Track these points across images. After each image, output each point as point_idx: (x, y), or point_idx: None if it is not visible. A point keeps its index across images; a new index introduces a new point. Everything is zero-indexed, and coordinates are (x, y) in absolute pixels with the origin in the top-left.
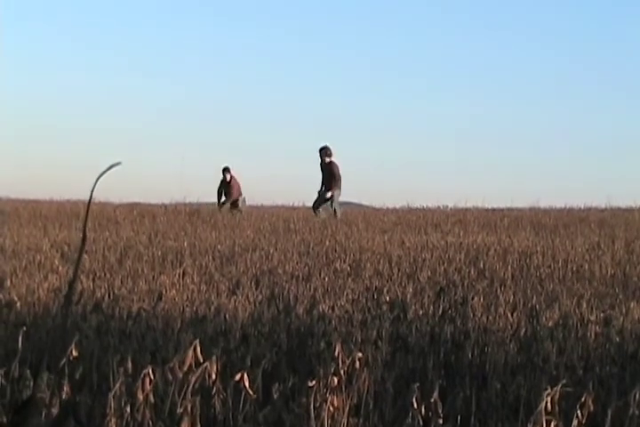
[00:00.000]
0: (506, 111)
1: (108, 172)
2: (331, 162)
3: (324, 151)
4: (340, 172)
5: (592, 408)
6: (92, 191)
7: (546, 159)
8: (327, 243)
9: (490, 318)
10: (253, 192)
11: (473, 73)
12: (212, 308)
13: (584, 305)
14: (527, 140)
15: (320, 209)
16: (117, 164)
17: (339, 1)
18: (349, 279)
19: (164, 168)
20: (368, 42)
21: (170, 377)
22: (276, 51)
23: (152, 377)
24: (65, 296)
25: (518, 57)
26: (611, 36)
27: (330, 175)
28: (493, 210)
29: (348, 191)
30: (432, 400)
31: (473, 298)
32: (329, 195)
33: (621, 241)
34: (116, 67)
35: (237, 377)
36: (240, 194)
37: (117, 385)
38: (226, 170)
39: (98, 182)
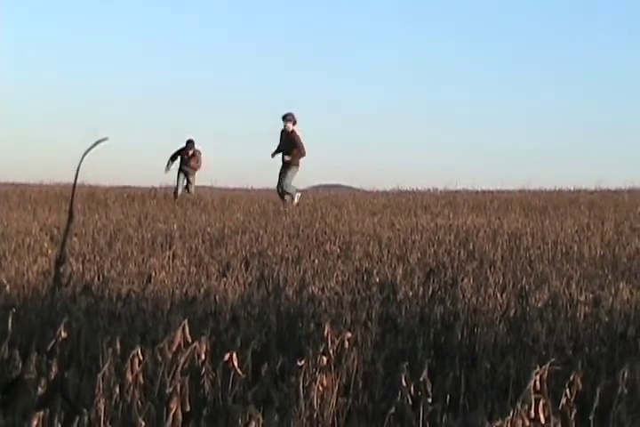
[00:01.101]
0: (497, 94)
1: (95, 148)
2: (293, 131)
3: (288, 118)
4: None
5: (581, 387)
6: (79, 168)
7: (536, 142)
8: (317, 225)
9: (479, 299)
10: (244, 175)
11: (465, 57)
12: (202, 290)
13: (573, 286)
14: (517, 122)
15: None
16: (104, 139)
17: None
18: (339, 261)
19: (154, 151)
20: (363, 25)
21: (159, 358)
22: (272, 36)
23: (141, 358)
24: (53, 274)
25: (510, 40)
26: (605, 22)
27: (292, 145)
28: (483, 192)
29: (338, 173)
30: (421, 380)
31: (462, 279)
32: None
33: (610, 222)
34: (106, 51)
35: (226, 357)
36: (198, 168)
37: (106, 366)
38: (190, 143)
39: (84, 159)
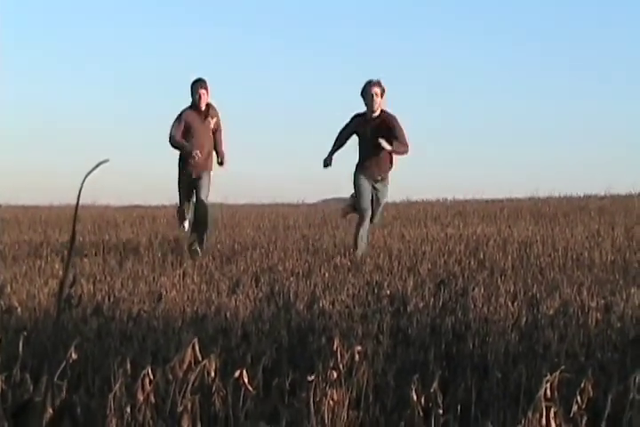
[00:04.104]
0: (502, 101)
1: (96, 170)
2: (387, 113)
3: (375, 85)
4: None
5: (592, 394)
6: (80, 190)
7: (543, 148)
8: (327, 239)
9: (490, 308)
10: (253, 190)
11: (467, 64)
12: (213, 307)
13: (584, 292)
14: (524, 129)
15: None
16: (105, 161)
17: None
18: (350, 274)
19: (162, 169)
20: (365, 32)
21: (170, 377)
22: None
23: (152, 377)
24: (57, 296)
25: (512, 47)
26: (606, 26)
27: (386, 137)
28: (493, 201)
29: (348, 186)
30: (432, 391)
31: (473, 289)
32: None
33: (621, 228)
34: (110, 73)
35: (237, 374)
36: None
37: (117, 386)
38: (201, 86)
39: (85, 181)
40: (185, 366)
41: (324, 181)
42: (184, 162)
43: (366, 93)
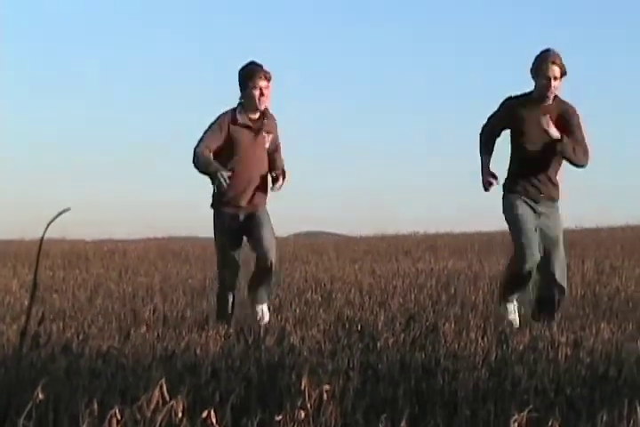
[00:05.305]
0: (470, 131)
1: (59, 217)
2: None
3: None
4: None
5: None
6: (43, 237)
7: None
8: (298, 274)
9: (461, 343)
10: None
11: (436, 94)
12: (183, 343)
13: (554, 327)
14: (493, 163)
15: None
16: (66, 210)
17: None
18: (320, 310)
19: (135, 202)
20: (347, 60)
21: (138, 416)
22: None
23: (119, 417)
24: (19, 342)
25: (479, 74)
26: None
27: (576, 145)
28: (464, 235)
29: (319, 220)
30: None
31: (444, 324)
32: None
33: (591, 261)
34: (79, 105)
35: (204, 414)
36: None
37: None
38: (262, 75)
39: (48, 229)
40: (152, 406)
41: (295, 216)
42: (222, 199)
43: (550, 65)
